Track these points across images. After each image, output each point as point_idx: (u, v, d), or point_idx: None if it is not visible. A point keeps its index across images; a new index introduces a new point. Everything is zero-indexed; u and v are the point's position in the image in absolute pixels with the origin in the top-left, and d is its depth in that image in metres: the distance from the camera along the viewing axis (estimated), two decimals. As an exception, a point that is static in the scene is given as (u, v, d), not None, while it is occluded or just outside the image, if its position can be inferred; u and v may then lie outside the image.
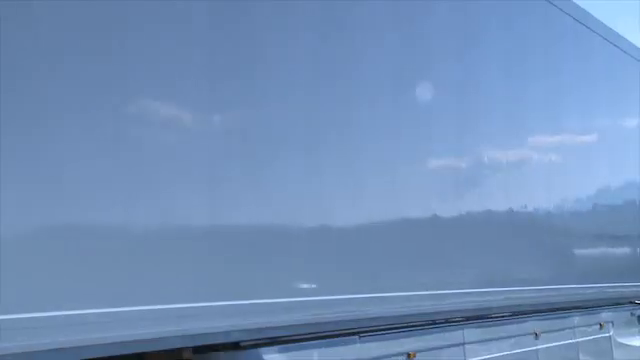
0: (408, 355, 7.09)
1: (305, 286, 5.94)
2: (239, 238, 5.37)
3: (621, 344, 11.29)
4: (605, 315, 11.01)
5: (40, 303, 4.15)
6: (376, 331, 6.75)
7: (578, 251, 10.44)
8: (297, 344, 5.90)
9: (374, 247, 6.64)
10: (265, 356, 5.60)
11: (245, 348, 5.49)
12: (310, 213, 6.03)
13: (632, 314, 12.00)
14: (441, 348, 7.58)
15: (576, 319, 10.19)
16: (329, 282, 6.14)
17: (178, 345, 5.03)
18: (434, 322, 7.56)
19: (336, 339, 6.30)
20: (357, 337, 6.53)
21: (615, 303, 11.43)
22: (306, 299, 5.88)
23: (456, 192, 7.83)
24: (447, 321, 7.73)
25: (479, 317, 8.20)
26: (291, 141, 5.83)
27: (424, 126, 7.25)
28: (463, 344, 7.91)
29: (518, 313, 8.98)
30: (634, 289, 11.98)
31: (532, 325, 9.16)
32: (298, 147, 5.90)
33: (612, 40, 10.96)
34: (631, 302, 12.00)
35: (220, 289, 5.19)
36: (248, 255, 5.43)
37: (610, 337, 11.01)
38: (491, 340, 8.38)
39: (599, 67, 10.79)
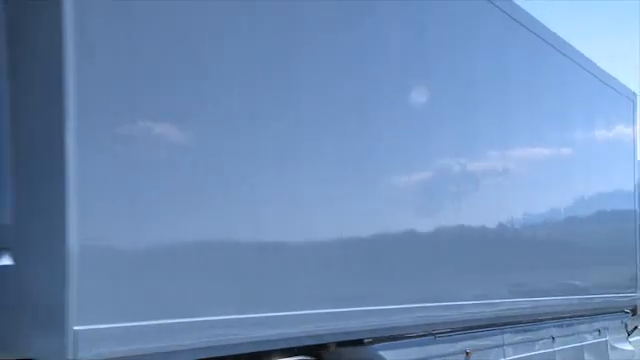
0: (466, 353, 8.56)
1: (405, 295, 7.40)
2: (361, 253, 6.81)
3: (615, 348, 12.87)
4: (602, 322, 12.57)
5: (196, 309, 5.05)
6: (443, 333, 8.22)
7: (577, 265, 11.83)
8: (400, 341, 7.37)
9: (448, 266, 8.15)
10: (380, 351, 7.04)
11: (367, 344, 6.94)
12: (402, 239, 7.50)
13: (622, 322, 13.60)
14: (490, 348, 9.08)
15: (581, 326, 11.74)
16: (418, 293, 7.62)
17: (325, 341, 6.46)
18: (483, 326, 9.04)
19: (419, 338, 7.77)
20: (434, 337, 8.01)
21: (608, 312, 12.99)
22: (407, 306, 7.34)
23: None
24: (490, 326, 9.21)
25: (514, 322, 9.72)
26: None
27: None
28: (503, 345, 9.42)
29: (539, 320, 10.50)
30: (623, 299, 13.57)
31: (550, 330, 10.69)
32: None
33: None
34: (622, 311, 13.61)
35: (348, 298, 6.61)
36: (370, 269, 6.89)
37: (607, 341, 12.60)
38: (522, 342, 9.88)
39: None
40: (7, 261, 4.18)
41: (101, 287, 4.44)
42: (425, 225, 7.80)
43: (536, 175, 10.34)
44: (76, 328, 4.27)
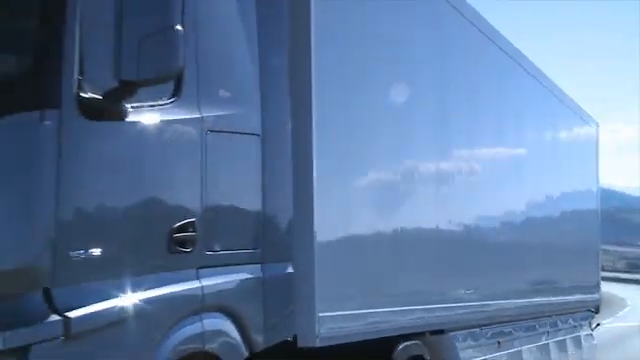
0: (498, 342, 10.60)
1: (475, 295, 9.46)
2: (448, 260, 8.82)
3: (586, 340, 15.11)
4: (576, 321, 14.77)
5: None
6: (485, 325, 10.19)
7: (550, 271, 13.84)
8: (459, 332, 9.33)
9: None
10: (454, 340, 9.03)
11: (446, 332, 8.89)
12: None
13: (588, 319, 15.84)
14: (513, 340, 11.15)
15: (562, 323, 13.90)
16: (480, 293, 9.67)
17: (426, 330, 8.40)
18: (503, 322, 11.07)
19: (469, 330, 9.74)
20: (480, 329, 10.02)
21: (579, 311, 15.19)
22: (468, 304, 9.34)
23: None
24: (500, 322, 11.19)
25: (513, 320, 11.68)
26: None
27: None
28: (518, 338, 11.48)
29: (534, 317, 12.55)
30: (590, 299, 15.80)
31: (545, 326, 12.80)
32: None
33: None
34: (589, 310, 15.84)
35: (439, 297, 8.63)
36: (451, 273, 8.89)
37: (580, 336, 14.81)
38: (522, 337, 11.90)
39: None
40: (290, 269, 6.02)
41: (331, 289, 6.38)
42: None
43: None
44: (319, 315, 6.16)
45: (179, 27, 4.51)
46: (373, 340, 7.12)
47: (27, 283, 4.19)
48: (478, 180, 9.87)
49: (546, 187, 12.95)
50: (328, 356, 6.45)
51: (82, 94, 4.35)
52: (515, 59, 11.35)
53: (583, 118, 15.62)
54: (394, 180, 7.74)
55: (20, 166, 4.20)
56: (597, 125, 16.51)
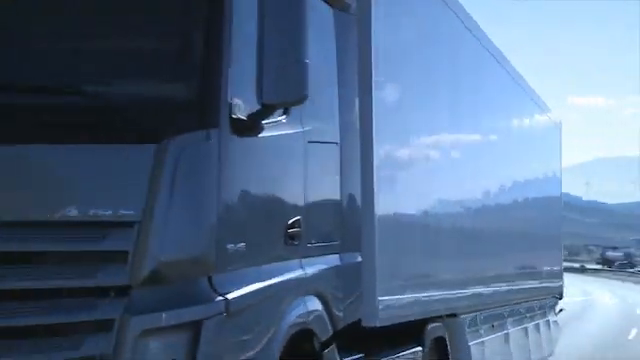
0: (492, 325, 11.68)
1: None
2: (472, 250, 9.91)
3: (553, 324, 16.31)
4: (545, 307, 15.95)
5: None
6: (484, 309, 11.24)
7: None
8: (475, 313, 10.41)
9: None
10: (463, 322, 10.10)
11: (458, 315, 9.93)
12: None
13: (554, 305, 17.03)
14: (502, 323, 12.25)
15: (536, 308, 15.05)
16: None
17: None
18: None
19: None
20: (478, 313, 11.07)
21: (547, 297, 16.36)
22: (472, 289, 10.42)
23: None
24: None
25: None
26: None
27: None
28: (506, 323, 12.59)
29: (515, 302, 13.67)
30: (555, 285, 16.97)
31: (521, 310, 13.90)
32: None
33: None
34: (554, 296, 17.04)
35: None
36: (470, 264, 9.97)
37: (549, 320, 15.99)
38: (510, 321, 12.98)
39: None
40: (359, 258, 6.97)
41: (388, 278, 7.37)
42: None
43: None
44: (379, 299, 7.14)
45: (307, 60, 5.43)
46: (408, 322, 8.13)
47: (197, 271, 5.10)
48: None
49: (516, 176, 13.59)
50: (375, 335, 7.43)
51: (233, 115, 5.26)
52: (489, 50, 11.86)
53: (549, 116, 16.79)
54: (429, 179, 8.87)
55: (193, 177, 5.08)
56: (560, 123, 17.72)
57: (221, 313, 5.07)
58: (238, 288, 5.24)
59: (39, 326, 5.00)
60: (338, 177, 6.71)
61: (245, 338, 5.28)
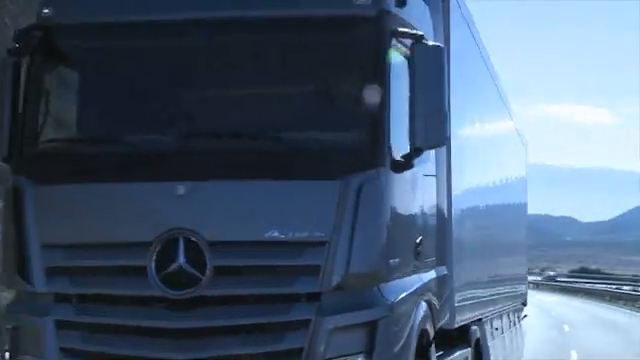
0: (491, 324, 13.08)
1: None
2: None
3: (521, 329, 17.82)
4: (515, 313, 17.42)
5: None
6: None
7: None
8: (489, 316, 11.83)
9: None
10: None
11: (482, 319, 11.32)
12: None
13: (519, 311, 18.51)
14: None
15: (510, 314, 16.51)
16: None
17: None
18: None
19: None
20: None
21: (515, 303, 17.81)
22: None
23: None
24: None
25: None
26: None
27: None
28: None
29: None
30: (521, 292, 18.38)
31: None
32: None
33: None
34: (521, 303, 18.50)
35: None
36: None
37: (520, 325, 17.48)
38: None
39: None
40: (445, 271, 8.36)
41: (461, 288, 8.86)
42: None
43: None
44: (456, 305, 8.57)
45: (446, 110, 6.83)
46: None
47: (372, 281, 6.58)
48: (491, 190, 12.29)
49: (499, 182, 14.13)
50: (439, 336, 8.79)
51: (393, 157, 6.69)
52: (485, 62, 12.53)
53: (519, 132, 18.11)
54: (482, 204, 10.33)
55: (369, 206, 6.49)
56: (526, 142, 19.18)
57: (389, 315, 6.54)
58: (396, 295, 6.70)
59: (250, 325, 6.44)
60: (435, 204, 8.09)
61: (400, 334, 6.69)
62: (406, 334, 6.76)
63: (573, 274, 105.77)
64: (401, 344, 6.65)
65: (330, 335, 6.34)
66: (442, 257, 8.28)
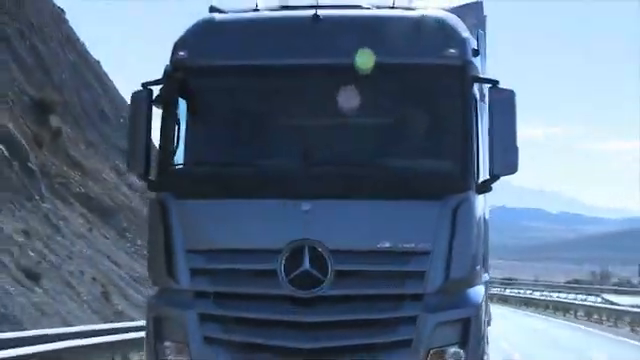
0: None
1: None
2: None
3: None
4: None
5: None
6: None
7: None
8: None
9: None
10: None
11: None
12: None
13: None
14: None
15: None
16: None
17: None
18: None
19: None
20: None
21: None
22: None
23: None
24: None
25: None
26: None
27: None
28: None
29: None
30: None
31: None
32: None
33: None
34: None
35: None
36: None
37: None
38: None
39: None
40: (489, 277, 9.78)
41: None
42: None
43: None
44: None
45: (518, 144, 8.14)
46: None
47: (465, 285, 8.08)
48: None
49: None
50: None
51: (478, 182, 8.16)
52: None
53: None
54: None
55: (464, 223, 7.94)
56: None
57: (478, 314, 8.06)
58: (479, 296, 8.22)
59: (366, 320, 7.85)
60: (484, 219, 9.31)
61: (481, 328, 8.17)
62: (483, 328, 8.25)
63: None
64: (481, 336, 8.13)
65: (433, 329, 7.76)
66: (486, 265, 9.70)
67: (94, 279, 27.82)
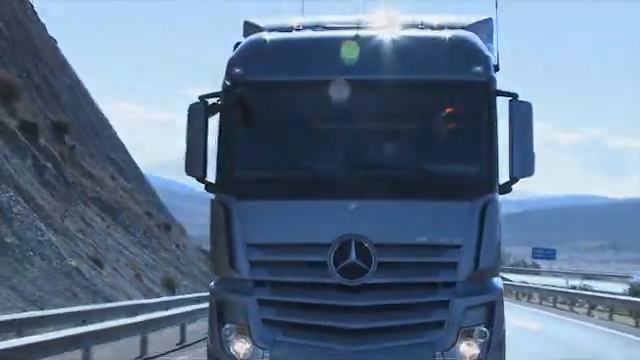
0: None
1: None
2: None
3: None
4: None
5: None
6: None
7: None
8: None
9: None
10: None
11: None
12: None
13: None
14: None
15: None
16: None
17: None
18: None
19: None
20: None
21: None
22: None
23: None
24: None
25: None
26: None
27: None
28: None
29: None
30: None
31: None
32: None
33: None
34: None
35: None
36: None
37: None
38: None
39: None
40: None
41: None
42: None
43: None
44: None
45: (534, 150, 8.67)
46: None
47: (491, 274, 8.69)
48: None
49: None
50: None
51: (499, 183, 8.67)
52: None
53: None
54: None
55: (491, 220, 8.45)
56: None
57: (501, 299, 8.67)
58: (500, 283, 8.84)
59: (405, 304, 8.52)
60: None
61: (503, 311, 8.74)
62: (503, 311, 8.75)
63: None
64: (502, 317, 8.67)
65: (464, 311, 8.29)
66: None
67: (126, 264, 36.07)
